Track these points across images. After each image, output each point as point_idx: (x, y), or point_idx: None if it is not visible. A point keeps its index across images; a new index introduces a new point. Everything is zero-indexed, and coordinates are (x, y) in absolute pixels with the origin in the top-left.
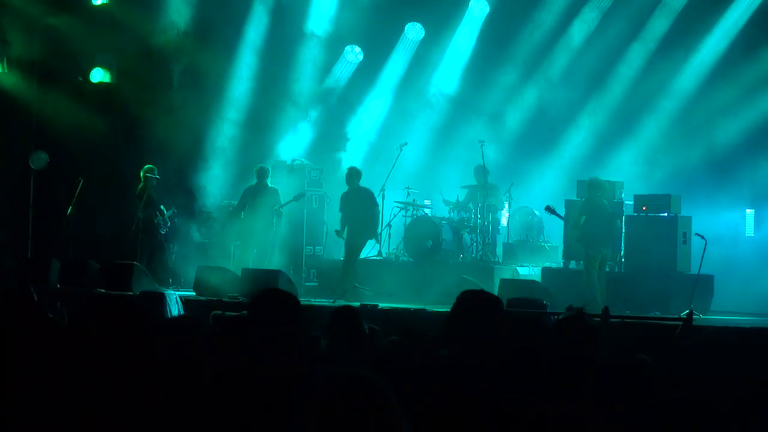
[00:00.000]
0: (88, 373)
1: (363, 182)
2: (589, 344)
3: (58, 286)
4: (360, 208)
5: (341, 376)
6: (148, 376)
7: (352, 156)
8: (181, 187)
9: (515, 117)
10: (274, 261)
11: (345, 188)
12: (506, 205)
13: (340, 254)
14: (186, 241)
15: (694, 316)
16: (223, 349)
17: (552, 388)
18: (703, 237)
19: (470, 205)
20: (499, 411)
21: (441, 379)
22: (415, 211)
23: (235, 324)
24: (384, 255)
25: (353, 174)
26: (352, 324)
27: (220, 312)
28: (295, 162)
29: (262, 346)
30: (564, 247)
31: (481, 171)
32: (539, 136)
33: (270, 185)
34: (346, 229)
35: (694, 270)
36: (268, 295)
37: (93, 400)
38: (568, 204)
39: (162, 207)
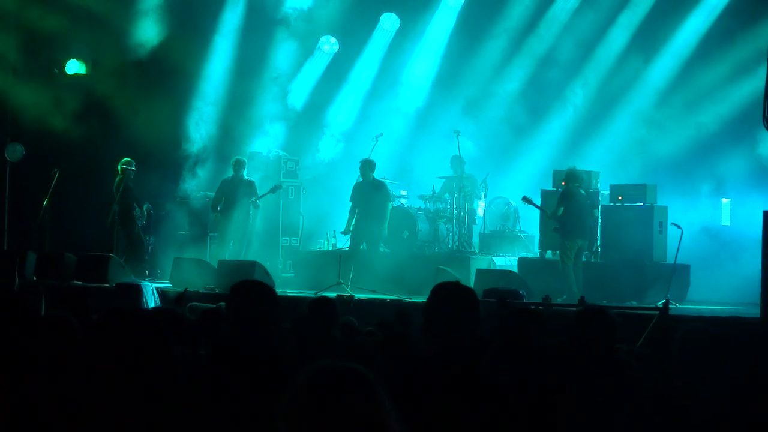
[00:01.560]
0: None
1: (335, 172)
2: (609, 337)
3: (35, 278)
4: (372, 201)
5: (331, 367)
6: (162, 382)
7: (327, 147)
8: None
9: (491, 107)
10: (251, 252)
11: (323, 179)
12: (482, 196)
13: (316, 245)
14: (163, 233)
15: (670, 306)
16: (200, 339)
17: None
18: (679, 226)
19: (446, 195)
20: (483, 403)
21: (419, 371)
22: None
23: (212, 315)
24: (361, 246)
25: (367, 166)
26: (329, 315)
27: (197, 303)
28: (271, 153)
29: (240, 336)
30: (540, 237)
31: (458, 161)
32: (515, 125)
33: (246, 177)
34: (354, 220)
35: (670, 260)
36: (245, 286)
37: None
38: (545, 194)
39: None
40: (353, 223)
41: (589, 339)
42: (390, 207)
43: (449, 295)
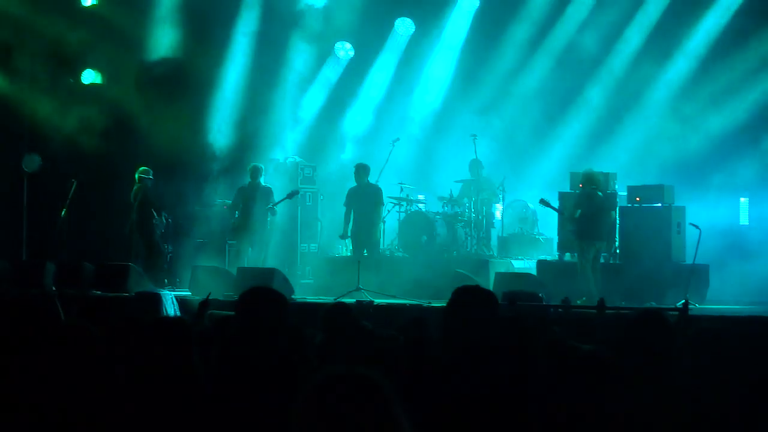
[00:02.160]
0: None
1: (352, 178)
2: (667, 342)
3: (54, 288)
4: (367, 205)
5: (342, 374)
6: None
7: (344, 152)
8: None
9: (508, 109)
10: (269, 259)
11: (341, 184)
12: (500, 199)
13: (335, 251)
14: (181, 242)
15: (690, 306)
16: (219, 347)
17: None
18: (697, 227)
19: (464, 199)
20: (505, 410)
21: (439, 377)
22: (408, 207)
23: (226, 323)
24: (379, 251)
25: (361, 170)
26: (346, 321)
27: (216, 311)
28: (288, 160)
29: (249, 343)
30: (558, 239)
31: (476, 165)
32: (532, 128)
33: (264, 184)
34: (350, 225)
35: (689, 260)
36: (252, 293)
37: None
38: (562, 196)
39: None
40: (350, 227)
41: (647, 344)
42: (382, 211)
43: (469, 298)
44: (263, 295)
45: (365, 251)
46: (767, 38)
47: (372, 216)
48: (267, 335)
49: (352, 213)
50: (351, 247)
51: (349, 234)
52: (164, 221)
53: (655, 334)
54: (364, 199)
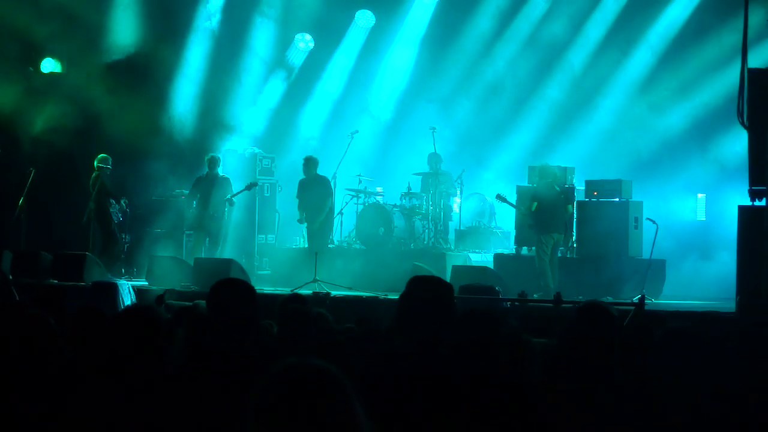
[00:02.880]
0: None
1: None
2: (609, 333)
3: (10, 277)
4: (315, 196)
5: (298, 365)
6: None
7: (303, 144)
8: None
9: (466, 103)
10: (227, 250)
11: (299, 176)
12: (458, 192)
13: (292, 242)
14: (139, 231)
15: (645, 301)
16: (177, 337)
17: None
18: (654, 222)
19: (421, 191)
20: (458, 396)
21: (396, 368)
22: (366, 199)
23: (187, 313)
24: (336, 243)
25: (310, 162)
26: (301, 311)
27: (173, 301)
28: (247, 151)
29: (222, 334)
30: (515, 232)
31: (434, 158)
32: (491, 121)
33: (221, 174)
34: (304, 215)
35: (645, 255)
36: (227, 284)
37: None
38: (520, 190)
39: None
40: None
41: (591, 337)
42: (330, 203)
43: (426, 288)
44: (235, 287)
45: (314, 243)
46: (726, 34)
47: (320, 208)
48: (240, 327)
49: (302, 204)
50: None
51: (304, 222)
52: (124, 207)
53: (599, 326)
54: (312, 191)
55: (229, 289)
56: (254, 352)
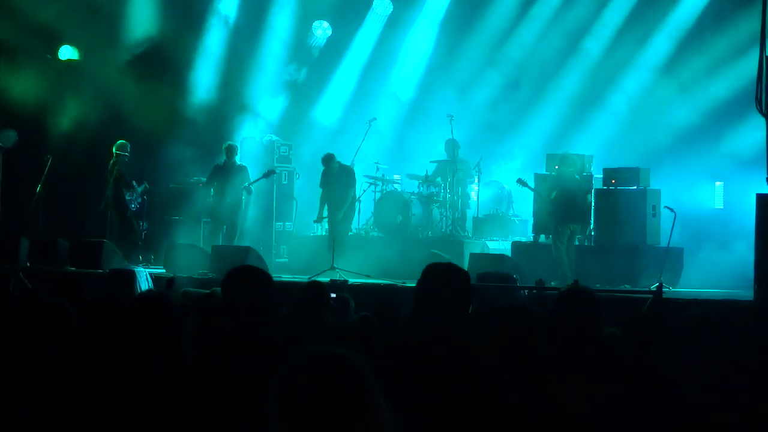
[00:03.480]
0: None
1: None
2: (592, 318)
3: (28, 264)
4: (339, 186)
5: (319, 353)
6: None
7: (321, 131)
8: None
9: (485, 90)
10: (244, 238)
11: (317, 163)
12: (476, 180)
13: (310, 230)
14: (156, 219)
15: (663, 289)
16: (195, 326)
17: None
18: (672, 210)
19: (439, 179)
20: (476, 390)
21: (412, 355)
22: (384, 186)
23: (206, 301)
24: (354, 231)
25: (328, 160)
26: (320, 299)
27: (190, 289)
28: (265, 138)
29: (237, 321)
30: (533, 221)
31: (451, 145)
32: (509, 109)
33: (239, 162)
34: (325, 208)
35: (663, 243)
36: (241, 272)
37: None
38: (538, 177)
39: (134, 183)
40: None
41: (570, 320)
42: (353, 193)
43: (442, 275)
44: (251, 274)
45: (335, 231)
46: (744, 21)
47: (343, 198)
48: (256, 315)
49: (326, 195)
50: (327, 227)
51: (323, 216)
52: (140, 192)
53: (580, 311)
54: (336, 181)
55: (243, 276)
56: (271, 340)
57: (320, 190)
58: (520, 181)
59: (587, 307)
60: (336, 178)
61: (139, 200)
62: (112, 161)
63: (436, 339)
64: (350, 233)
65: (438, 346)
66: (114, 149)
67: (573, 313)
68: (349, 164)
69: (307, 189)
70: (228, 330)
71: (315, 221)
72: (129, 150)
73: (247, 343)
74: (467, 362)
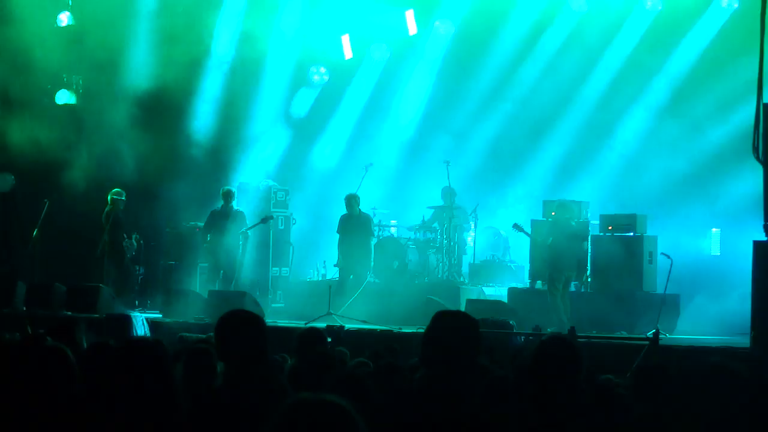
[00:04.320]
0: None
1: (325, 202)
2: (574, 365)
3: (24, 308)
4: (358, 234)
5: (311, 401)
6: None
7: (317, 176)
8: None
9: (481, 137)
10: (241, 283)
11: (313, 208)
12: (472, 226)
13: (306, 275)
14: (153, 264)
15: (660, 336)
16: (191, 371)
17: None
18: (668, 256)
19: (436, 225)
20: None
21: (416, 402)
22: (381, 232)
23: (202, 347)
24: (350, 277)
25: (351, 200)
26: (318, 346)
27: (187, 334)
28: (261, 184)
29: (230, 365)
30: (530, 267)
31: (448, 192)
32: (506, 155)
33: (236, 208)
34: (342, 258)
35: (660, 289)
36: (232, 316)
37: None
38: (534, 224)
39: (125, 235)
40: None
41: (550, 369)
42: (373, 242)
43: (451, 323)
44: (242, 319)
45: (351, 276)
46: (741, 69)
47: (363, 244)
48: (247, 361)
49: (343, 239)
50: (323, 271)
51: (341, 264)
52: (134, 244)
53: (560, 359)
54: (355, 228)
55: (236, 320)
56: (265, 385)
57: (336, 236)
58: (516, 227)
59: (568, 355)
60: (356, 222)
61: (135, 247)
62: (108, 208)
63: (443, 388)
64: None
65: (444, 396)
66: (109, 196)
67: (554, 362)
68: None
69: (303, 234)
70: (221, 376)
71: (336, 265)
72: (125, 196)
73: (241, 390)
74: (474, 415)
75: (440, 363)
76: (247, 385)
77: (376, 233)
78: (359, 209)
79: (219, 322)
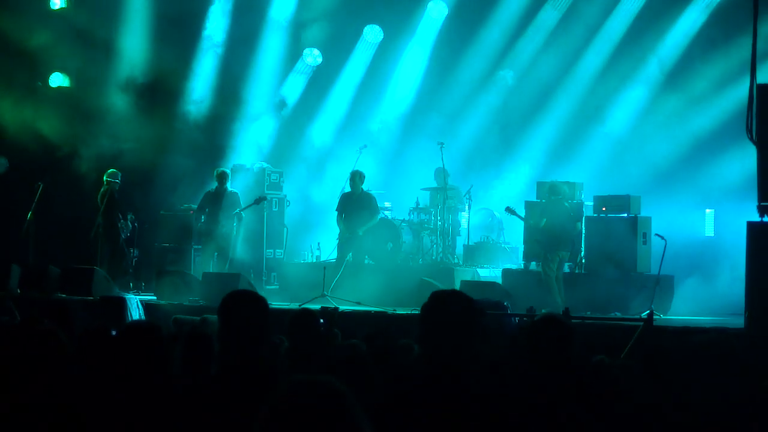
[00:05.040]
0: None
1: (319, 185)
2: (566, 345)
3: (18, 291)
4: (359, 212)
5: (304, 382)
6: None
7: (312, 158)
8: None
9: (475, 118)
10: (235, 264)
11: (307, 190)
12: (466, 207)
13: (300, 257)
14: (147, 246)
15: (654, 317)
16: (184, 354)
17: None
18: (663, 237)
19: (430, 207)
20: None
21: (413, 382)
22: None
23: (195, 329)
24: (347, 257)
25: (356, 177)
26: (311, 327)
27: (182, 316)
28: (255, 165)
29: (235, 347)
30: (524, 248)
31: (441, 173)
32: (499, 137)
33: (230, 189)
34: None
35: (654, 270)
36: (238, 295)
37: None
38: (528, 205)
39: (119, 215)
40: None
41: (541, 348)
42: (377, 220)
43: (448, 302)
44: (248, 298)
45: (349, 256)
46: (735, 49)
47: (364, 224)
48: (252, 341)
49: (343, 217)
50: (317, 253)
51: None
52: (130, 225)
53: (550, 339)
54: (357, 206)
55: (241, 299)
56: (267, 367)
57: (335, 214)
58: (509, 210)
59: (561, 335)
60: (358, 200)
61: (129, 228)
62: (102, 189)
63: (443, 369)
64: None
65: (442, 375)
66: (105, 177)
67: (546, 342)
68: (339, 191)
69: (297, 216)
70: (224, 357)
71: (340, 236)
72: (120, 178)
73: (244, 370)
74: (467, 390)
75: (438, 342)
76: (248, 367)
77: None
78: (362, 188)
79: (224, 301)
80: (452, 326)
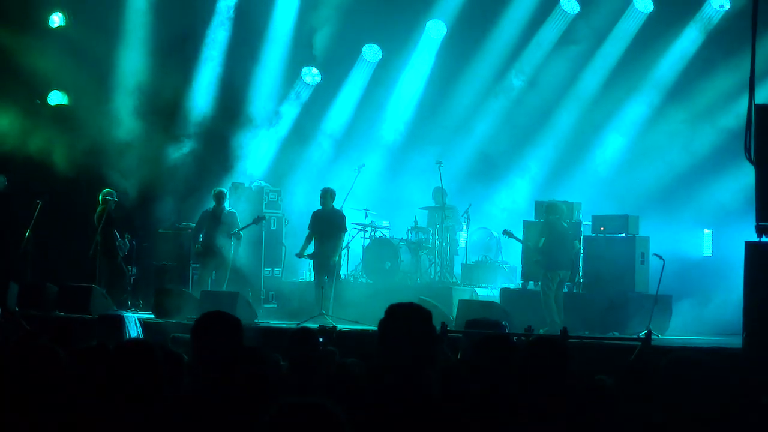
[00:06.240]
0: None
1: (317, 203)
2: (560, 365)
3: (17, 308)
4: (329, 230)
5: (296, 404)
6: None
7: (310, 177)
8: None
9: (473, 137)
10: (233, 283)
11: (306, 209)
12: (464, 226)
13: (299, 276)
14: (145, 264)
15: (652, 336)
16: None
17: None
18: (661, 257)
19: (428, 226)
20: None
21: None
22: (373, 233)
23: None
24: (342, 276)
25: (326, 194)
26: (310, 345)
27: (179, 335)
28: (254, 184)
29: (205, 367)
30: (522, 267)
31: (439, 192)
32: (498, 156)
33: (228, 208)
34: (312, 246)
35: (652, 290)
36: (209, 318)
37: None
38: (526, 225)
39: (116, 234)
40: (311, 250)
41: (538, 369)
42: (344, 237)
43: (402, 313)
44: (217, 320)
45: (325, 278)
46: (734, 68)
47: (333, 241)
48: (223, 359)
49: (314, 236)
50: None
51: (306, 254)
52: (127, 243)
53: (548, 360)
54: (327, 224)
55: (212, 322)
56: (255, 384)
57: (307, 231)
58: (506, 233)
59: (556, 356)
60: (329, 217)
61: (128, 247)
62: (100, 208)
63: (401, 379)
64: (339, 279)
65: (400, 385)
66: (101, 196)
67: (541, 363)
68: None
69: (295, 235)
70: (193, 376)
71: (297, 255)
72: (116, 196)
73: (212, 389)
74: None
75: (396, 353)
76: (221, 390)
77: (369, 233)
78: (332, 205)
79: (195, 324)
80: (409, 337)
